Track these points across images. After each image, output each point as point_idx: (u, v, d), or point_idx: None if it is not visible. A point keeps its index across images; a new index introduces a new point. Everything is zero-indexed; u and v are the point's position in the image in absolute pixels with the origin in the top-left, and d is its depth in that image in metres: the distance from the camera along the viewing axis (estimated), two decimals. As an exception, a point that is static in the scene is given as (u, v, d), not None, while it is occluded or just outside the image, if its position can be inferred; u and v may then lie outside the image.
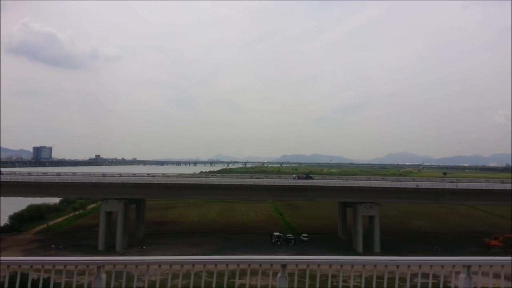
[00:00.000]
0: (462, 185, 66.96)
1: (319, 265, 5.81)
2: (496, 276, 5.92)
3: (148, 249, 61.98)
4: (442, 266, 5.95)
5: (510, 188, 64.40)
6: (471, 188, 66.74)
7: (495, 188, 66.19)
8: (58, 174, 69.69)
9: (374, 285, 6.15)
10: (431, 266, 6.02)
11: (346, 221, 72.07)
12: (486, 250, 65.28)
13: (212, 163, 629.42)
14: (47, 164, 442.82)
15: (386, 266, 5.94)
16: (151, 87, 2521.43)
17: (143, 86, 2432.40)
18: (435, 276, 5.99)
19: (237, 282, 6.15)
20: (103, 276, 5.58)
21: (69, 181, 63.61)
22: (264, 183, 69.16)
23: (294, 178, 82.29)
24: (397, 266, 5.91)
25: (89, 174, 72.60)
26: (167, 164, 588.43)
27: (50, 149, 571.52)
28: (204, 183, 67.95)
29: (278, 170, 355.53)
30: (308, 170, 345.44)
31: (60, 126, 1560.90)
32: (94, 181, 63.20)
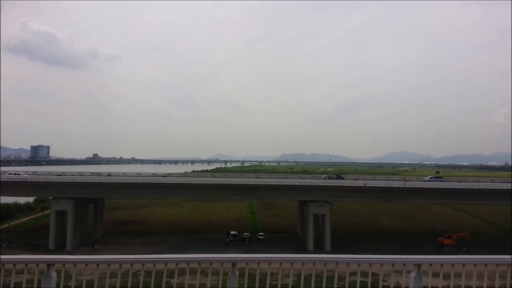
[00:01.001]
0: (410, 184, 67.12)
1: (269, 263, 5.87)
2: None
3: (99, 248, 62.30)
4: (392, 264, 5.95)
5: (466, 188, 64.67)
6: (420, 187, 66.93)
7: (444, 187, 66.48)
8: (17, 173, 70.03)
9: (312, 284, 6.10)
10: (381, 264, 5.99)
11: (304, 219, 72.20)
12: (440, 248, 65.24)
13: (209, 162, 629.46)
14: (43, 163, 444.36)
15: (325, 264, 5.94)
16: (151, 87, 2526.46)
17: (143, 86, 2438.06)
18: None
19: (187, 281, 6.01)
20: (53, 274, 5.48)
21: (16, 180, 63.94)
22: (217, 182, 69.30)
23: (324, 178, 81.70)
24: (336, 264, 5.92)
25: (49, 173, 72.91)
26: (164, 163, 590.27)
27: (48, 148, 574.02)
28: (160, 182, 68.12)
29: (273, 169, 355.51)
30: (302, 169, 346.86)
31: (59, 125, 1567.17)
32: (42, 180, 63.56)
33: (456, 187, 67.17)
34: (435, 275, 5.98)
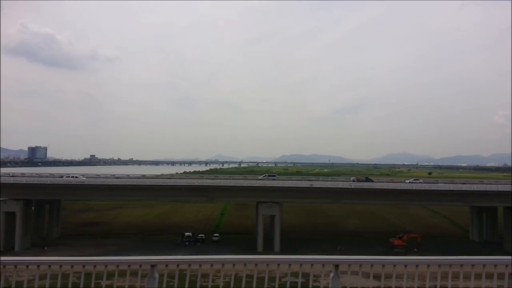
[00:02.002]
0: (356, 185, 67.24)
1: (200, 265, 5.87)
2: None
3: (49, 250, 62.57)
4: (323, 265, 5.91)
5: (417, 189, 64.77)
6: (366, 187, 67.12)
7: (390, 188, 66.82)
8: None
9: (254, 284, 6.16)
10: (312, 264, 5.97)
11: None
12: (391, 249, 65.26)
13: (207, 163, 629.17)
14: (39, 164, 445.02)
15: (267, 265, 5.94)
16: (150, 88, 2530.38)
17: (143, 87, 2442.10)
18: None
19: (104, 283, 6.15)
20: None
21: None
22: (164, 184, 69.51)
23: (353, 181, 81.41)
24: (278, 265, 5.95)
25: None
26: (162, 164, 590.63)
27: (45, 149, 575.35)
28: (114, 183, 68.32)
29: (268, 170, 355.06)
30: (296, 170, 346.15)
31: (59, 126, 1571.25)
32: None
33: (402, 187, 67.49)
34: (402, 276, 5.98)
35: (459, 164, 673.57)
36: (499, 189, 66.11)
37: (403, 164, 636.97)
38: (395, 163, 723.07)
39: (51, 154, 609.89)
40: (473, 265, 5.95)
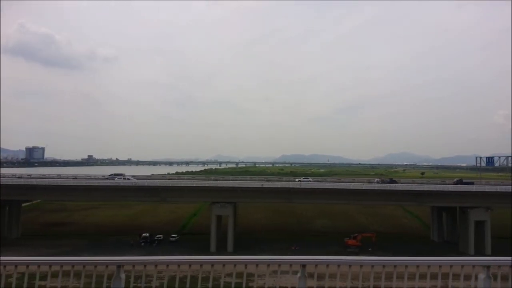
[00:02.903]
0: (304, 185, 67.09)
1: (156, 265, 5.86)
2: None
3: (3, 250, 62.39)
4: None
5: (353, 188, 65.39)
6: (309, 187, 67.16)
7: (346, 188, 66.62)
8: None
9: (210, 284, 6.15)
10: (268, 265, 6.02)
11: (222, 221, 71.81)
12: (345, 249, 65.00)
13: (204, 163, 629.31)
14: (36, 164, 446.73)
15: (246, 266, 5.94)
16: (149, 88, 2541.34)
17: (142, 87, 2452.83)
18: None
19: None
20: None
21: None
22: (115, 184, 69.33)
23: (377, 182, 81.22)
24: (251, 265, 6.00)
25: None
26: (160, 165, 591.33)
27: (43, 149, 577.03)
28: (65, 184, 68.09)
29: (262, 170, 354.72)
30: (290, 170, 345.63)
31: (57, 126, 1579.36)
32: None
33: (354, 188, 67.59)
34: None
35: (457, 164, 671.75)
36: (450, 189, 65.89)
37: (405, 164, 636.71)
38: (395, 163, 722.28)
39: (50, 155, 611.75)
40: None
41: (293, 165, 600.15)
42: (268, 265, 5.99)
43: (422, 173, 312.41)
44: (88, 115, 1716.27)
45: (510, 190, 62.43)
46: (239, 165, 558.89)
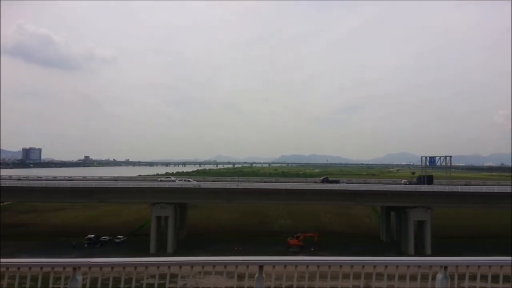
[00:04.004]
0: (242, 185, 66.92)
1: (112, 267, 5.83)
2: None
3: None
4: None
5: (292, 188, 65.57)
6: (249, 187, 67.06)
7: (283, 188, 66.62)
8: None
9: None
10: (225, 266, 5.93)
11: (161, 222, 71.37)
12: (287, 249, 64.81)
13: (201, 164, 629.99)
14: (31, 165, 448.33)
15: (169, 267, 5.92)
16: (149, 89, 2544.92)
17: (142, 88, 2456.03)
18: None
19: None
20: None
21: None
22: (63, 185, 69.38)
23: (404, 183, 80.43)
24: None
25: None
26: (157, 165, 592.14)
27: (40, 150, 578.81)
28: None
29: (256, 170, 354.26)
30: (282, 170, 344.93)
31: (56, 127, 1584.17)
32: None
33: (289, 188, 67.78)
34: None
35: (457, 164, 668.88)
36: (384, 189, 65.77)
37: (404, 164, 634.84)
38: (394, 163, 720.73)
39: (47, 155, 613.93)
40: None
41: (289, 165, 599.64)
42: (203, 267, 5.95)
43: (413, 173, 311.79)
44: (87, 116, 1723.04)
45: (446, 190, 62.12)
46: (236, 166, 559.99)
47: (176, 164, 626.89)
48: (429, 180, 75.65)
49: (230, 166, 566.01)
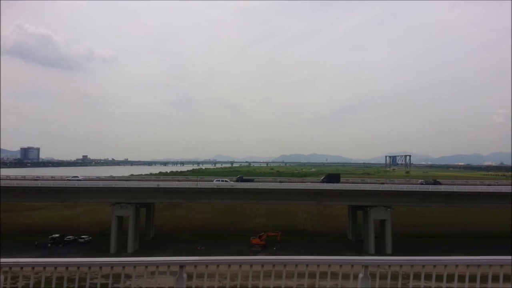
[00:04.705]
0: (201, 185, 66.51)
1: (67, 267, 5.84)
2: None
3: None
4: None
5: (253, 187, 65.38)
6: (206, 187, 66.74)
7: (243, 188, 66.39)
8: None
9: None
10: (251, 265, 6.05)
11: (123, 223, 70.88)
12: (249, 248, 64.39)
13: (199, 163, 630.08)
14: (28, 165, 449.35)
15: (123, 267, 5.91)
16: (149, 89, 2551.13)
17: (141, 88, 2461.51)
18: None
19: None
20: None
21: None
22: (22, 185, 69.12)
23: (421, 183, 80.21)
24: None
25: None
26: (155, 165, 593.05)
27: (38, 150, 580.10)
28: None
29: (249, 170, 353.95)
30: (277, 169, 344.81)
31: (57, 127, 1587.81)
32: None
33: (249, 187, 67.60)
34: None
35: (456, 163, 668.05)
36: (345, 188, 65.35)
37: (416, 164, 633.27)
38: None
39: (46, 155, 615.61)
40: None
41: (287, 165, 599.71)
42: (146, 267, 5.89)
43: (407, 172, 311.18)
44: (86, 116, 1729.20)
45: (404, 189, 61.62)
46: (234, 165, 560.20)
47: (174, 163, 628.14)
48: (336, 179, 78.31)
49: (228, 165, 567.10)
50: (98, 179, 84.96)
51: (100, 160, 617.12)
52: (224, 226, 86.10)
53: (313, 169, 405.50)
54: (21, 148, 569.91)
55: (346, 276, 6.00)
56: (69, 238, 69.59)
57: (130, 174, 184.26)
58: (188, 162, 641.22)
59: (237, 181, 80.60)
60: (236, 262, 5.95)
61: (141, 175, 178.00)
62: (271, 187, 66.95)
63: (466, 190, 62.98)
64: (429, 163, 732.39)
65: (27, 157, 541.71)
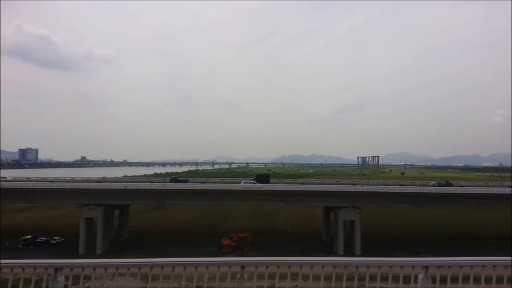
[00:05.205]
0: (170, 186, 66.65)
1: (35, 268, 5.83)
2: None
3: None
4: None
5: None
6: (175, 188, 66.67)
7: (207, 189, 66.41)
8: None
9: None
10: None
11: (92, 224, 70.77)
12: (220, 249, 64.37)
13: (197, 164, 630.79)
14: (26, 166, 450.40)
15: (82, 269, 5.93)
16: (149, 89, 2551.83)
17: (141, 88, 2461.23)
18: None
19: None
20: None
21: None
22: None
23: (433, 185, 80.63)
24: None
25: None
26: (153, 166, 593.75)
27: (36, 151, 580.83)
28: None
29: (244, 171, 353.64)
30: (273, 170, 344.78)
31: (56, 127, 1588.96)
32: None
33: (213, 188, 67.67)
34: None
35: (455, 164, 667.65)
36: (313, 189, 65.33)
37: (402, 164, 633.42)
38: (394, 163, 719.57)
39: (46, 156, 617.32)
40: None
41: (285, 166, 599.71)
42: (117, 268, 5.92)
43: (402, 173, 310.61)
44: (86, 116, 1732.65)
45: (372, 190, 61.44)
46: (232, 166, 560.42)
47: (173, 164, 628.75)
48: (265, 179, 79.58)
49: (227, 166, 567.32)
50: (73, 180, 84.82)
51: (99, 161, 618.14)
52: (204, 227, 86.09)
53: (310, 170, 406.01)
54: (19, 149, 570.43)
55: (316, 278, 6.05)
56: (42, 239, 69.57)
57: (123, 175, 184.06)
58: (188, 163, 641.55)
59: (170, 181, 79.93)
60: (203, 263, 5.95)
61: (134, 176, 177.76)
62: (240, 189, 66.89)
63: (433, 191, 62.97)
64: (428, 164, 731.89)
65: (26, 158, 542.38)
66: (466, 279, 5.78)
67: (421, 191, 62.77)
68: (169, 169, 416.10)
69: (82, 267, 5.76)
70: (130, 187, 66.79)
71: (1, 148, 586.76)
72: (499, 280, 5.87)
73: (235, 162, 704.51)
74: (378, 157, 76.30)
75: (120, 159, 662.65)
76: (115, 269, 5.83)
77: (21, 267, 5.71)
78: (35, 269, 5.75)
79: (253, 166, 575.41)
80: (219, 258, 6.08)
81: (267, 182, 77.11)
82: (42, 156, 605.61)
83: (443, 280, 5.84)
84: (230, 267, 5.90)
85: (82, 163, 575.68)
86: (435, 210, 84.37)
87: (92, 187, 66.61)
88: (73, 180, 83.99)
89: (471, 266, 5.74)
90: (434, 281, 5.83)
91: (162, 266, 5.86)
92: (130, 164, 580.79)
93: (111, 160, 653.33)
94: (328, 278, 6.03)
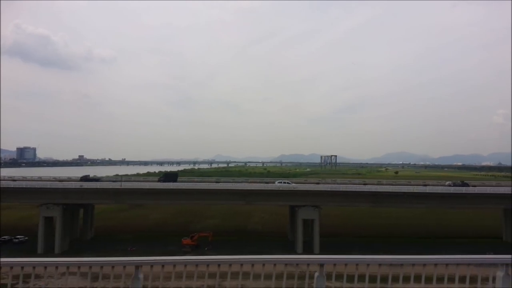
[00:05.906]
0: (126, 185, 66.42)
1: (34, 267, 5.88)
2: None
3: None
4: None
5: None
6: (136, 187, 66.46)
7: (172, 188, 65.90)
8: None
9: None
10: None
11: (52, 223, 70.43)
12: (181, 249, 64.10)
13: (195, 163, 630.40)
14: (23, 165, 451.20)
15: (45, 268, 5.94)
16: (149, 89, 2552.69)
17: (141, 88, 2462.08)
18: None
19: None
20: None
21: None
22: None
23: (449, 185, 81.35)
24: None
25: None
26: (151, 165, 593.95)
27: (34, 150, 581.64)
28: None
29: (239, 170, 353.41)
30: (269, 170, 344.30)
31: (56, 127, 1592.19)
32: None
33: (160, 187, 67.31)
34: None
35: (455, 164, 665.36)
36: (271, 188, 64.95)
37: (401, 164, 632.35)
38: (394, 162, 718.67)
39: (45, 155, 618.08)
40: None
41: (283, 165, 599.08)
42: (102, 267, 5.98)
43: (396, 172, 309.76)
44: (86, 116, 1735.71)
45: (329, 189, 61.10)
46: (230, 165, 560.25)
47: (171, 163, 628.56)
48: (173, 178, 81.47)
49: (225, 165, 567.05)
50: (40, 179, 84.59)
51: (97, 160, 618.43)
52: (176, 226, 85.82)
53: (307, 169, 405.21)
54: (17, 148, 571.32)
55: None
56: (4, 238, 69.40)
57: (115, 174, 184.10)
58: (187, 162, 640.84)
59: (80, 180, 79.53)
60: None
61: (126, 175, 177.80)
62: (200, 188, 66.55)
63: (391, 191, 62.58)
64: (428, 163, 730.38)
65: (23, 157, 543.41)
66: (417, 278, 5.91)
67: (378, 190, 62.38)
68: (166, 168, 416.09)
69: (22, 265, 5.76)
70: (85, 186, 66.43)
71: (2, 147, 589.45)
72: (451, 279, 5.92)
73: (235, 161, 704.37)
74: (335, 156, 76.79)
75: (119, 159, 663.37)
76: (65, 267, 5.84)
77: None
78: None
79: (251, 165, 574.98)
80: (169, 257, 6.19)
81: (175, 181, 78.76)
82: (42, 155, 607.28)
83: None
84: (185, 266, 6.11)
85: (80, 162, 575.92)
86: (416, 210, 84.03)
87: (48, 186, 66.27)
88: (39, 179, 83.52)
89: (424, 265, 5.84)
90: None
91: (112, 265, 5.91)
92: (128, 163, 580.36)
93: (109, 159, 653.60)
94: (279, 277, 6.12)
